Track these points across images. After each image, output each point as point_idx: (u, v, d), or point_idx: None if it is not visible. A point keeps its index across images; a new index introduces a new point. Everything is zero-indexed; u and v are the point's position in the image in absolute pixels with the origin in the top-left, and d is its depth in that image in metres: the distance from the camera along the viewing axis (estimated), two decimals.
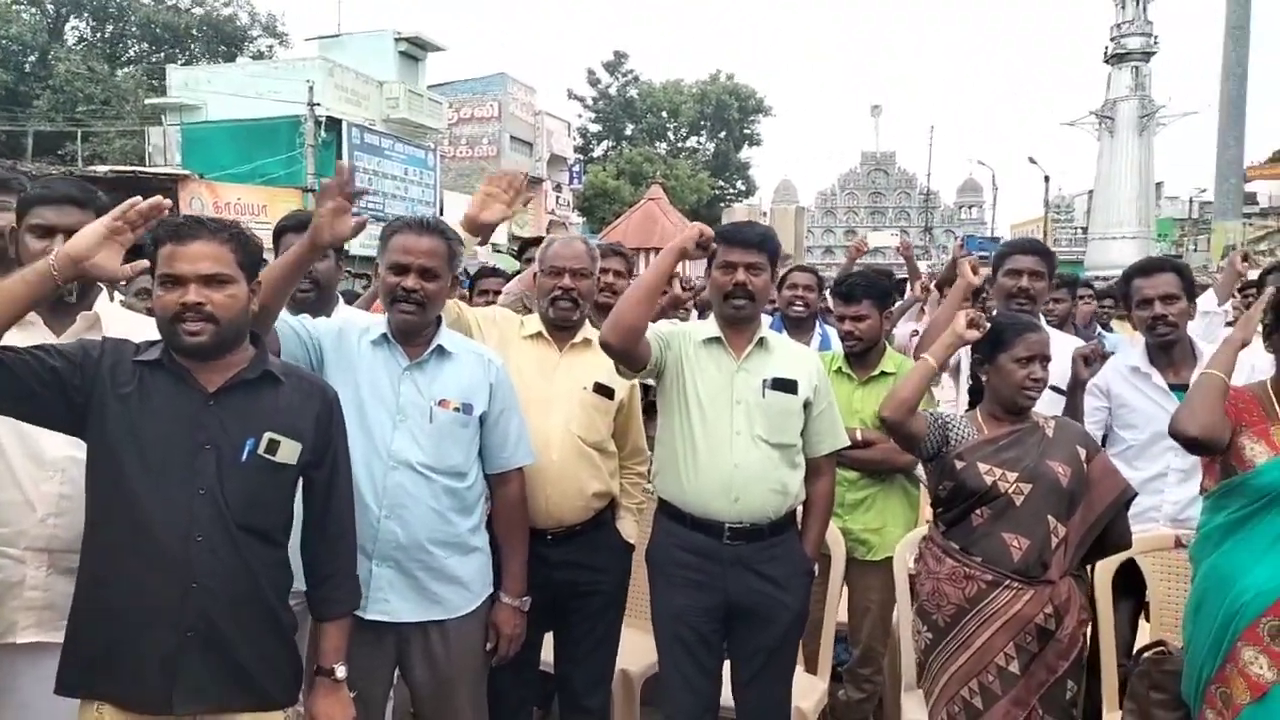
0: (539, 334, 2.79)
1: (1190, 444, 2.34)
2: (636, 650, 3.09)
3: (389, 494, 2.27)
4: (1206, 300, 4.28)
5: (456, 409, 2.34)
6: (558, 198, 34.54)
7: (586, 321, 2.87)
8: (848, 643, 3.41)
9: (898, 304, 5.76)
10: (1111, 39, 35.18)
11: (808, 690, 2.87)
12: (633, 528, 2.88)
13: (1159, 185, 37.63)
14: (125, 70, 31.90)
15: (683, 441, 2.57)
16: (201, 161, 20.17)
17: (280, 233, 2.87)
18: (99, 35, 33.60)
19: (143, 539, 1.79)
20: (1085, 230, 38.38)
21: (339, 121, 21.73)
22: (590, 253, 2.85)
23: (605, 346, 2.46)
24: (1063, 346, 2.91)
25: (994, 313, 3.03)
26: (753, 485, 2.51)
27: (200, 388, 1.86)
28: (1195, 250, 33.36)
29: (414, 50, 27.27)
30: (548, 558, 2.62)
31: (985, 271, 3.12)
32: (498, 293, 4.22)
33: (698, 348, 2.61)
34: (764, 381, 2.56)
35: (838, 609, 3.15)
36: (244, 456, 1.85)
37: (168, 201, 1.86)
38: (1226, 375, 2.30)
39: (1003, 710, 2.46)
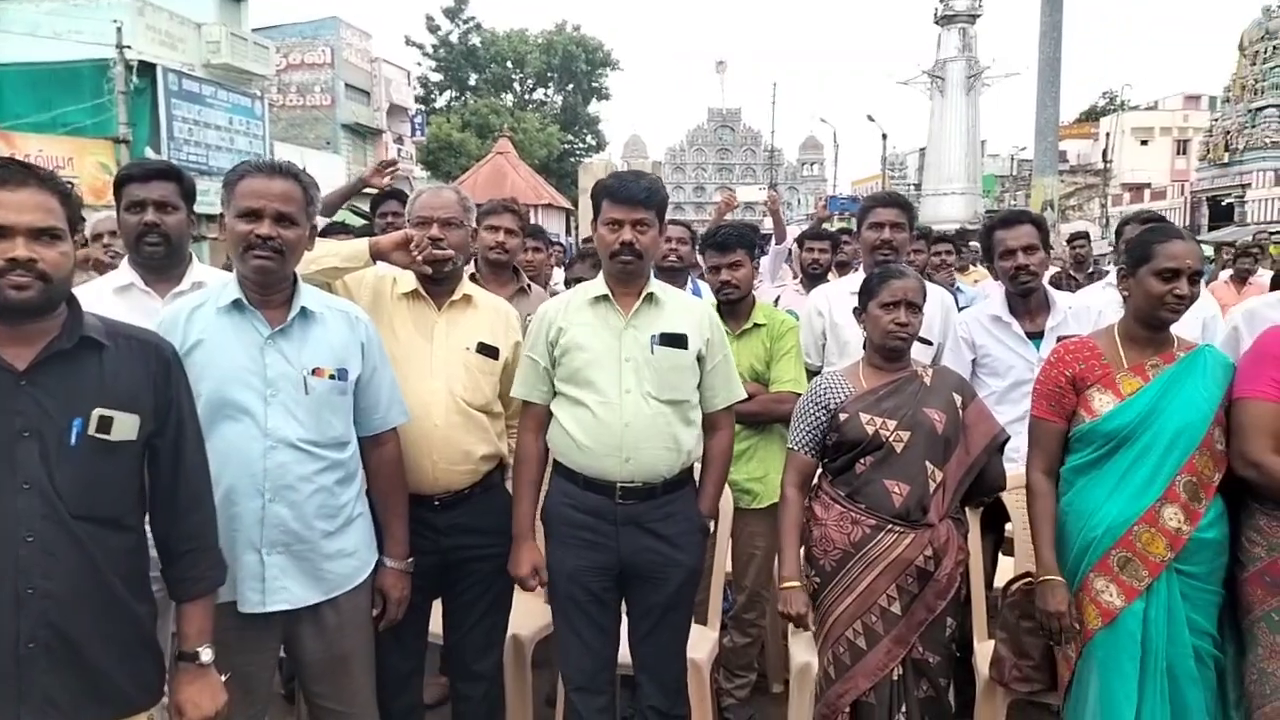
0: (414, 292, 2.62)
1: None
2: (527, 614, 3.03)
3: (270, 476, 2.09)
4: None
5: (332, 376, 2.17)
6: (399, 150, 33.19)
7: (465, 277, 2.73)
8: (730, 590, 3.46)
9: (765, 258, 5.87)
10: (940, 1, 36.89)
11: (699, 641, 2.88)
12: None
13: (984, 143, 40.07)
14: None
15: (573, 403, 2.50)
16: None
17: (121, 182, 2.57)
18: None
19: None
20: (917, 186, 40.49)
21: (153, 66, 19.96)
22: (461, 201, 2.70)
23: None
24: (930, 297, 2.99)
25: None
26: (644, 444, 2.46)
27: (8, 366, 1.61)
28: (1015, 204, 35.85)
29: None
30: (435, 524, 2.51)
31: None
32: None
33: (583, 308, 2.53)
34: (653, 338, 2.50)
35: (726, 560, 3.18)
36: (73, 440, 1.63)
37: None
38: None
39: (885, 649, 2.55)
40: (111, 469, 1.70)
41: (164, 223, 2.52)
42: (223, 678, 1.89)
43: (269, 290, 2.14)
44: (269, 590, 2.10)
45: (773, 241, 6.28)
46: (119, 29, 18.92)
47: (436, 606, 2.71)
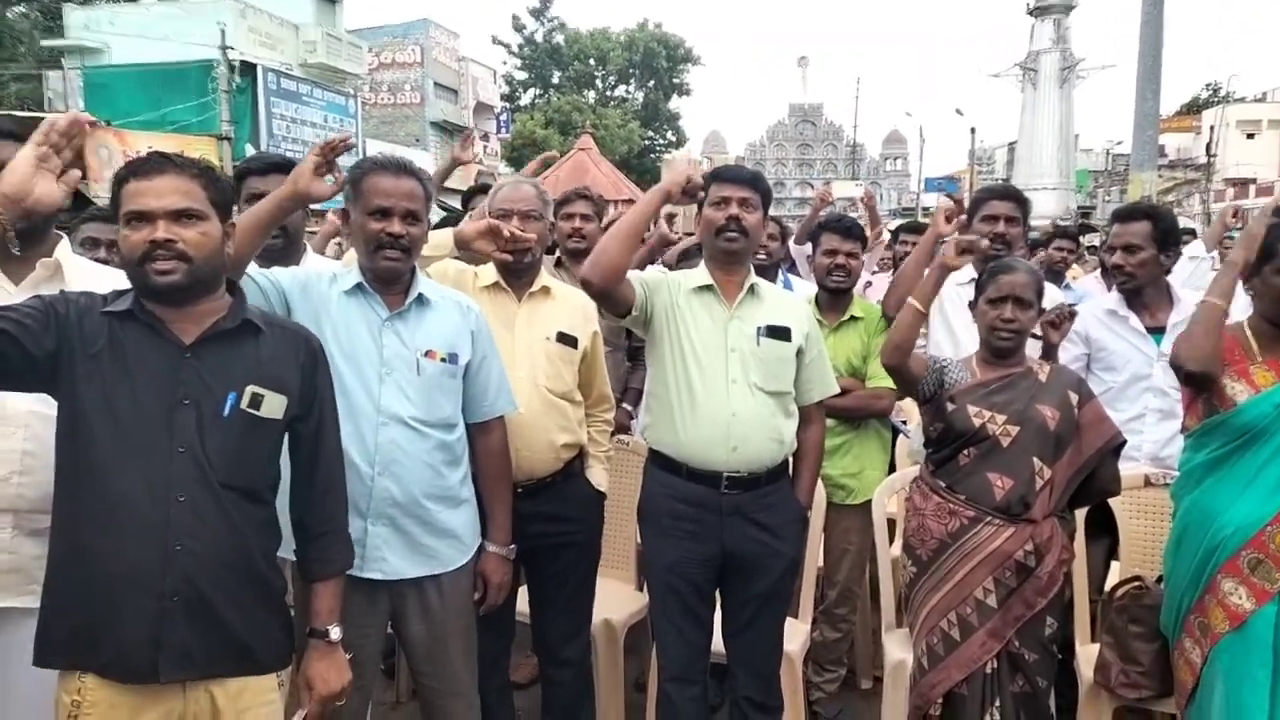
0: (496, 284, 2.69)
1: (1188, 377, 2.37)
2: (618, 600, 3.08)
3: (381, 451, 2.17)
4: (1194, 247, 4.37)
5: (443, 359, 2.25)
6: (485, 147, 33.74)
7: (543, 269, 2.78)
8: (822, 584, 3.44)
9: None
10: None
11: (792, 634, 2.88)
12: (603, 476, 2.84)
13: (1076, 137, 38.72)
14: (18, 9, 29.81)
15: (678, 392, 2.52)
16: (106, 107, 19.02)
17: (241, 175, 2.70)
18: None
19: (120, 502, 1.67)
20: (1006, 181, 39.31)
21: (254, 66, 20.76)
22: (540, 196, 2.76)
23: (586, 285, 2.43)
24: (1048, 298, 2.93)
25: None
26: (751, 434, 2.48)
27: (176, 340, 1.72)
28: (1109, 201, 34.56)
29: None
30: (519, 511, 2.56)
31: (960, 220, 3.10)
32: None
33: (688, 296, 2.56)
34: (758, 329, 2.52)
35: (819, 554, 3.17)
36: (225, 411, 1.73)
37: (88, 115, 1.73)
38: (1227, 301, 2.33)
39: (979, 641, 2.51)
40: (256, 443, 1.79)
41: None
42: (348, 656, 1.97)
43: (394, 281, 2.24)
44: (368, 558, 2.18)
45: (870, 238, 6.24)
46: (223, 31, 19.72)
47: (523, 590, 2.78)
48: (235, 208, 1.95)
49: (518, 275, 2.69)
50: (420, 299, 2.26)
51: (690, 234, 4.64)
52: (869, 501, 3.17)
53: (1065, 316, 2.80)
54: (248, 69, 20.56)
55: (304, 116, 21.95)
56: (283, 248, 2.66)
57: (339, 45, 25.16)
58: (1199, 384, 2.37)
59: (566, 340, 2.68)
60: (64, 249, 2.06)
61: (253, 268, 2.14)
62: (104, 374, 1.68)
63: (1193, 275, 3.69)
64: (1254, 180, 37.34)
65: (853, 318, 3.35)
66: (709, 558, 2.53)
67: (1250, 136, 42.12)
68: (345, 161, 2.12)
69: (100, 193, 14.73)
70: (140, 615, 1.68)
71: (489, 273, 2.70)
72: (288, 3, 24.41)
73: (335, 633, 1.94)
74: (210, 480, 1.72)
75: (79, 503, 1.69)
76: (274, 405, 1.79)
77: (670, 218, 4.36)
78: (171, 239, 1.67)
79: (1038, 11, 35.54)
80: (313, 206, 2.50)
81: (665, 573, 2.56)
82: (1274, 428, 2.27)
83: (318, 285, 2.22)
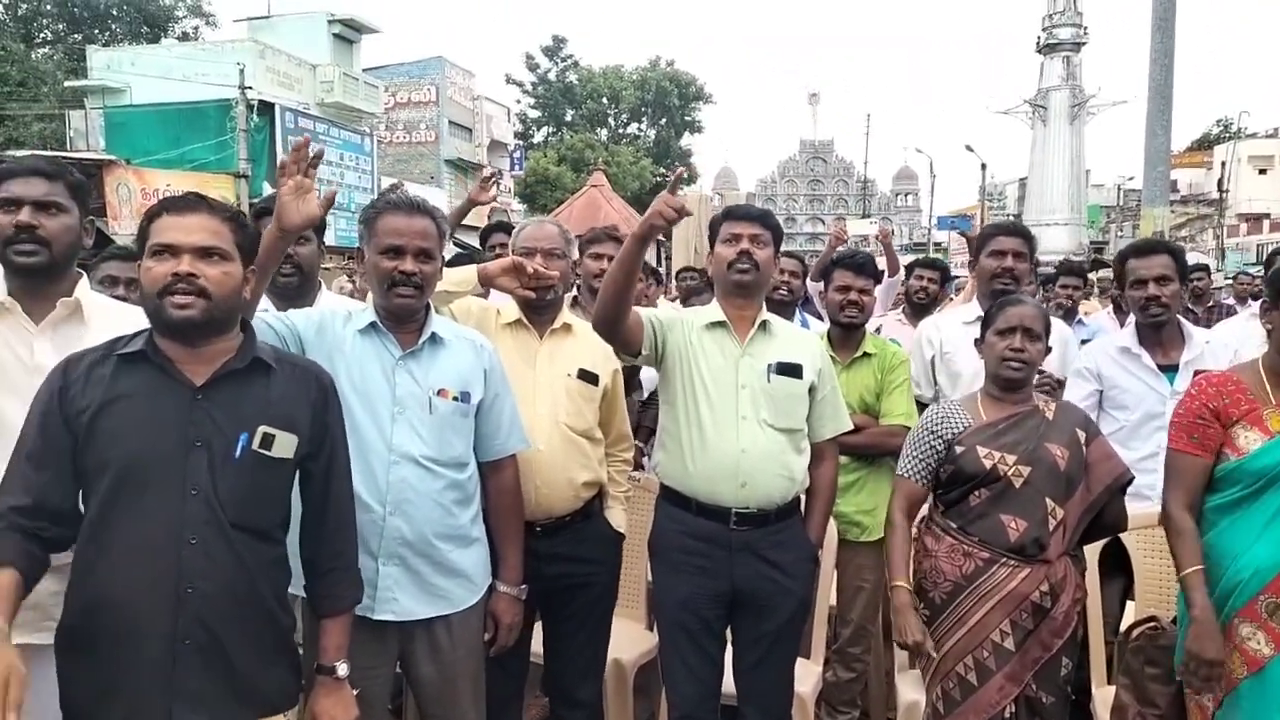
0: (518, 321, 2.71)
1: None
2: (628, 639, 3.05)
3: (393, 490, 2.18)
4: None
5: (455, 398, 2.26)
6: (499, 184, 34.10)
7: (565, 307, 2.81)
8: (835, 623, 3.41)
9: (878, 289, 5.86)
10: (1043, 29, 36.08)
11: (803, 674, 2.85)
12: (622, 516, 2.83)
13: (1088, 173, 38.79)
14: (42, 51, 30.51)
15: (688, 427, 2.52)
16: (126, 146, 19.40)
17: (259, 214, 2.74)
18: (11, 14, 32.02)
19: (132, 547, 1.69)
20: (1017, 217, 39.38)
21: (271, 105, 21.11)
22: (563, 234, 2.80)
23: (595, 326, 2.47)
24: (1057, 334, 2.92)
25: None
26: (760, 470, 2.48)
27: (187, 381, 1.75)
28: (1122, 236, 34.51)
29: (348, 33, 26.64)
30: (537, 550, 2.55)
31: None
32: None
33: (700, 333, 2.58)
34: (769, 366, 2.53)
35: (830, 592, 3.15)
36: (238, 453, 1.75)
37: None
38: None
39: (998, 685, 2.48)
40: (268, 483, 1.81)
41: (297, 253, 2.68)
42: (354, 693, 1.97)
43: (408, 319, 2.26)
44: (379, 599, 2.18)
45: (886, 274, 6.27)
46: (241, 71, 20.09)
47: (537, 629, 2.75)
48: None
49: (540, 312, 2.71)
50: (434, 338, 2.28)
51: (688, 270, 4.65)
52: (882, 539, 3.14)
53: (1053, 385, 2.83)
54: (265, 108, 20.91)
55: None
56: (298, 285, 2.69)
57: (355, 85, 25.60)
58: None
59: (588, 377, 2.69)
60: (83, 287, 2.09)
61: (271, 314, 2.18)
62: (114, 422, 1.71)
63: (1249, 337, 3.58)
64: (1268, 215, 37.28)
65: (866, 354, 3.35)
66: (719, 594, 2.51)
67: (1262, 172, 42.11)
68: (361, 200, 2.16)
69: (119, 230, 14.94)
70: (154, 664, 1.69)
71: (511, 310, 2.72)
72: (306, 43, 24.93)
73: (343, 669, 1.94)
74: (222, 521, 1.73)
75: (94, 546, 1.71)
76: (285, 445, 1.80)
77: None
78: (194, 274, 1.70)
79: (1047, 49, 35.80)
80: (329, 243, 2.54)
81: (676, 609, 2.54)
82: None
83: (332, 325, 2.25)
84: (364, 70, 27.50)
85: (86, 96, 23.36)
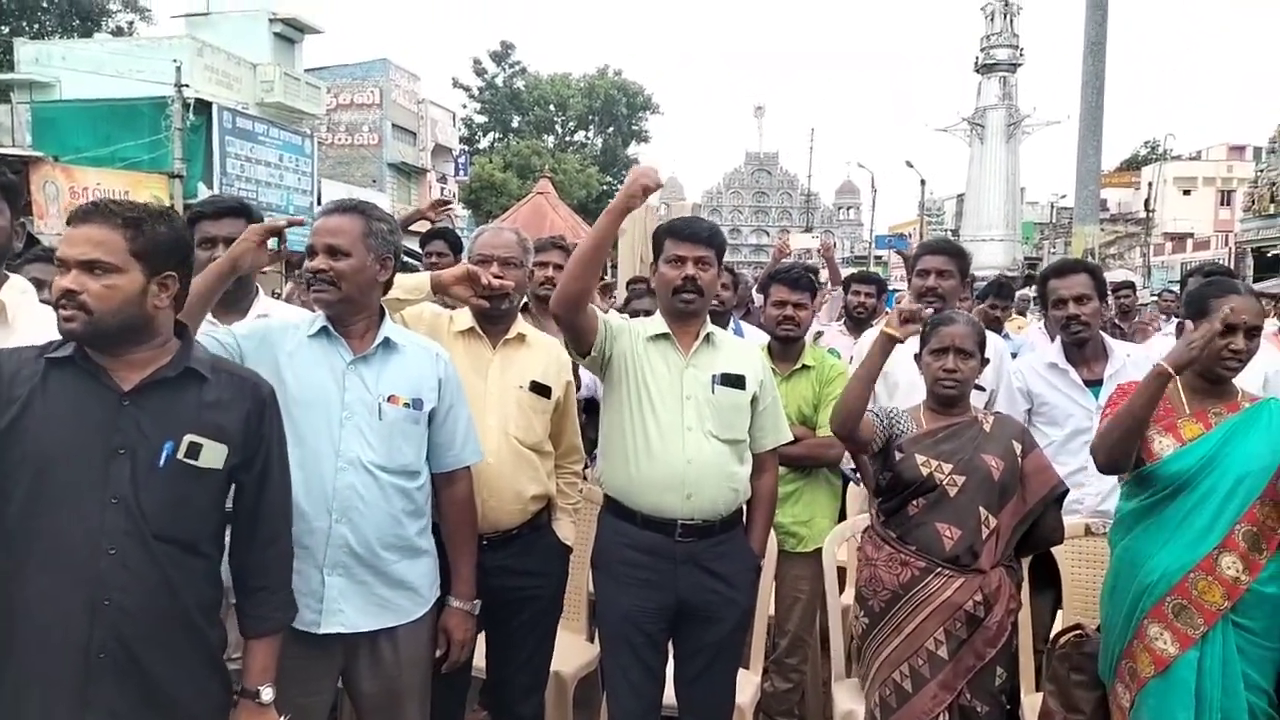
0: (470, 330, 2.68)
1: (1100, 469, 2.51)
2: (569, 651, 3.04)
3: (339, 496, 2.14)
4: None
5: (406, 404, 2.23)
6: (443, 189, 33.78)
7: (520, 317, 2.79)
8: (772, 633, 3.44)
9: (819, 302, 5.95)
10: (981, 49, 37.12)
11: (742, 685, 2.86)
12: (570, 530, 2.81)
13: (1022, 190, 39.91)
14: None
15: (633, 437, 2.53)
16: (55, 143, 18.75)
17: (194, 219, 2.67)
18: None
19: (49, 555, 1.64)
20: (955, 232, 40.32)
21: (209, 104, 20.59)
22: (521, 242, 2.78)
23: (555, 317, 2.48)
24: (992, 347, 2.99)
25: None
26: (705, 481, 2.49)
27: (114, 387, 1.70)
28: (1054, 253, 35.56)
29: (290, 32, 26.15)
30: (483, 563, 2.52)
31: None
32: None
33: (646, 344, 2.58)
34: (713, 377, 2.55)
35: (770, 603, 3.17)
36: (161, 461, 1.70)
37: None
38: (1148, 413, 2.39)
39: (930, 693, 2.53)
40: (194, 494, 1.76)
41: None
42: (282, 718, 1.91)
43: (343, 320, 2.23)
44: (326, 612, 2.13)
45: (829, 285, 6.38)
46: (178, 68, 19.56)
47: (480, 642, 2.72)
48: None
49: (493, 322, 2.69)
50: (387, 343, 2.25)
51: (638, 280, 4.68)
52: (819, 549, 3.19)
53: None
54: (202, 107, 20.39)
55: (259, 155, 21.78)
56: (233, 293, 2.62)
57: (297, 85, 25.13)
58: (1110, 473, 2.50)
59: (540, 390, 2.67)
60: (10, 289, 2.02)
61: (218, 331, 2.17)
62: (35, 422, 1.65)
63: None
64: (1191, 235, 38.74)
65: (804, 366, 3.40)
66: (663, 606, 2.52)
67: (1186, 193, 43.78)
68: (300, 201, 2.19)
69: (45, 230, 14.42)
70: (68, 676, 1.63)
71: (464, 318, 2.70)
72: (246, 42, 24.39)
73: (267, 694, 1.88)
74: (143, 532, 1.68)
75: (7, 553, 1.65)
76: (213, 455, 1.76)
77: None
78: (74, 289, 1.65)
79: (985, 69, 36.84)
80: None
81: (619, 622, 2.54)
82: (1198, 478, 2.35)
83: (280, 334, 2.22)
84: (306, 70, 27.01)
85: (13, 91, 22.53)
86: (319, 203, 22.78)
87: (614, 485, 2.59)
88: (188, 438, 1.72)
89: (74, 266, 1.66)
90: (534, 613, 2.67)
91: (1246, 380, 2.65)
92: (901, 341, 2.59)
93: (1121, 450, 2.40)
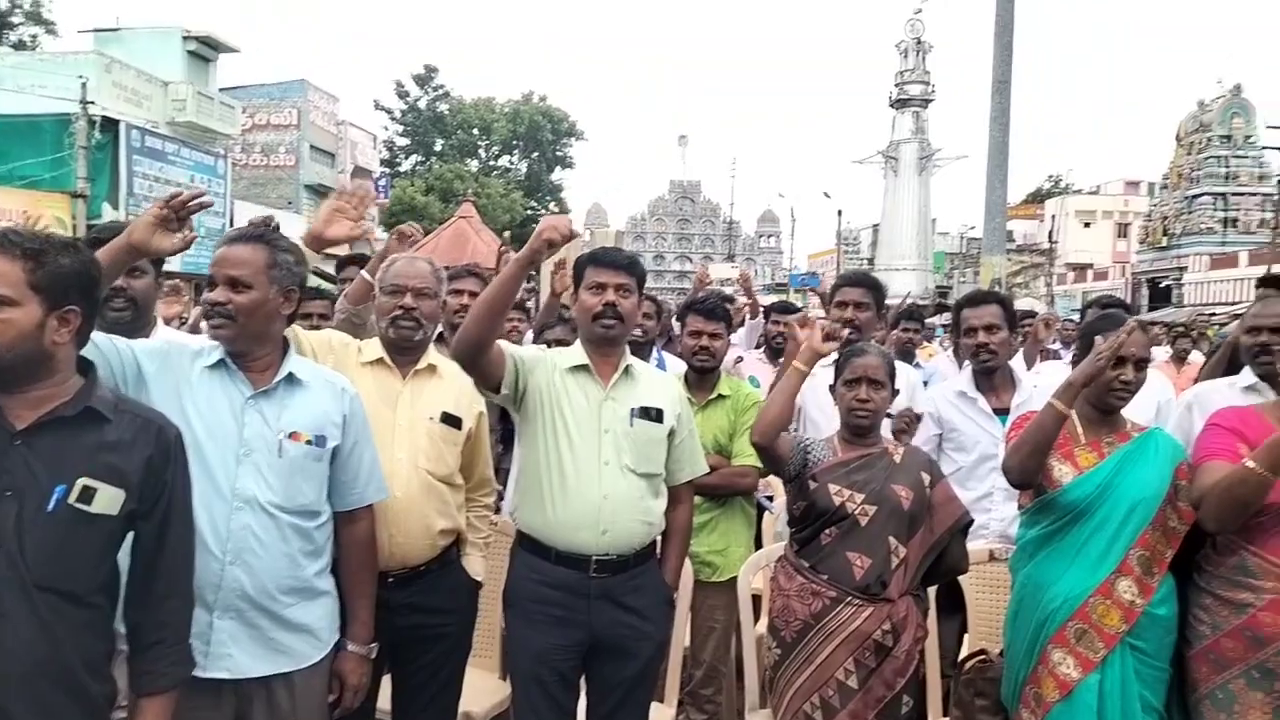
0: (380, 360, 2.62)
1: (1012, 483, 2.57)
2: (480, 690, 2.97)
3: (234, 538, 2.05)
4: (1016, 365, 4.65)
5: (309, 441, 2.15)
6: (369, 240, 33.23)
7: (431, 347, 2.74)
8: (688, 665, 3.43)
9: (740, 330, 6.01)
10: (896, 85, 38.46)
11: (657, 718, 2.84)
12: (480, 565, 2.75)
13: (934, 221, 41.32)
14: None
15: (548, 471, 2.50)
16: None
17: (93, 243, 2.55)
18: None
19: None
20: (870, 261, 41.49)
21: (116, 122, 19.91)
22: (435, 273, 2.73)
23: (456, 358, 2.43)
24: (903, 378, 3.08)
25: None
26: (621, 516, 2.47)
27: (6, 425, 1.61)
28: (964, 282, 36.87)
29: (204, 50, 25.48)
30: (388, 601, 2.45)
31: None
32: (323, 316, 3.98)
33: (564, 375, 2.56)
34: (631, 410, 2.54)
35: (685, 634, 3.16)
36: (51, 505, 1.61)
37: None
38: (1064, 417, 2.46)
39: None
40: (85, 541, 1.67)
41: (131, 286, 2.51)
42: None
43: (243, 353, 2.14)
44: (211, 655, 2.03)
45: (747, 315, 6.45)
46: (84, 85, 18.88)
47: (385, 682, 2.64)
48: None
49: (403, 352, 2.63)
50: (290, 378, 2.17)
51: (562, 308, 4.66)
52: (734, 578, 3.19)
53: (912, 419, 2.97)
54: (109, 125, 19.71)
55: (169, 175, 21.13)
56: (130, 320, 2.52)
57: (210, 104, 24.48)
58: (1020, 487, 2.56)
59: (451, 421, 2.62)
60: None
61: (106, 338, 2.03)
62: None
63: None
64: (1091, 265, 40.62)
65: (720, 395, 3.42)
66: (576, 644, 2.48)
67: (1087, 225, 45.92)
68: (212, 224, 2.08)
69: None
70: None
71: (373, 348, 2.64)
72: (158, 59, 23.67)
73: None
74: (24, 581, 1.59)
75: None
76: (108, 500, 1.67)
77: (559, 264, 4.34)
78: None
79: (898, 104, 38.20)
80: (175, 269, 2.41)
81: (531, 662, 2.49)
82: (1095, 506, 2.44)
83: (179, 359, 2.12)
84: (221, 90, 26.33)
85: None
86: (232, 224, 22.19)
87: (529, 523, 2.55)
88: (81, 481, 1.63)
89: None
90: (441, 651, 2.60)
91: (1139, 409, 2.77)
92: (825, 354, 2.66)
93: (1034, 462, 2.46)
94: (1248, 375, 3.12)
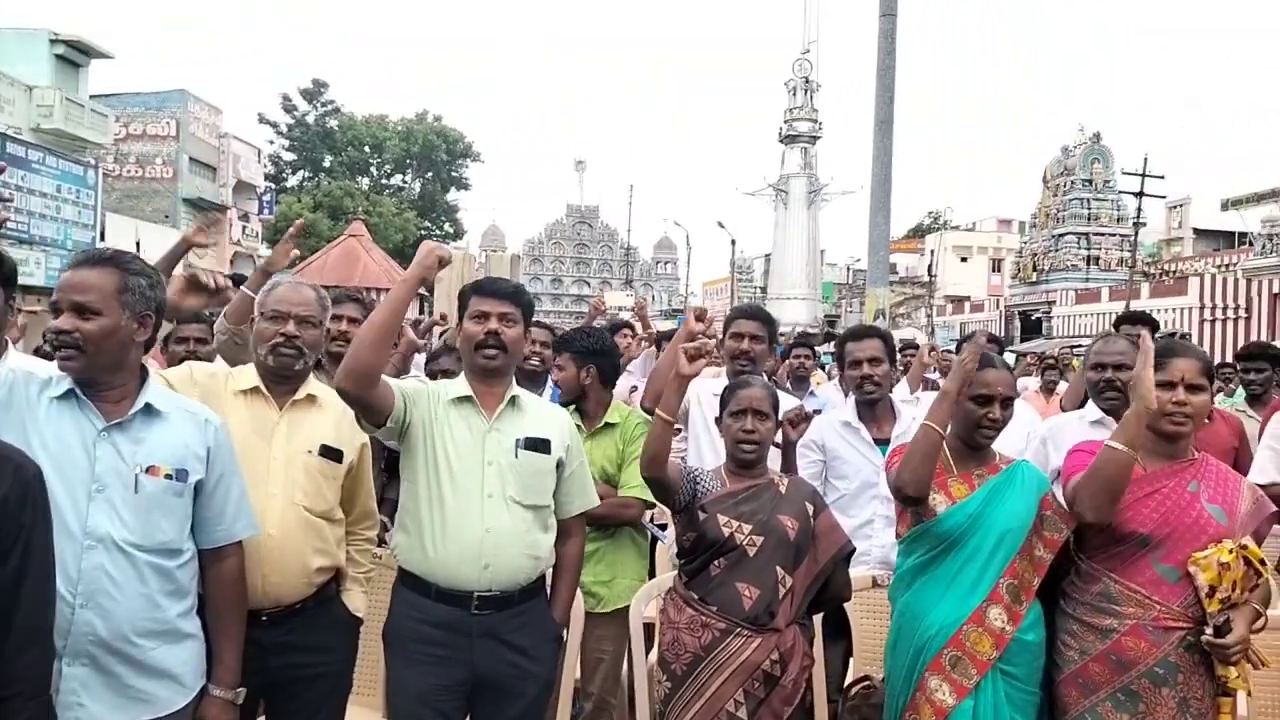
0: (255, 389, 2.49)
1: (905, 500, 2.59)
2: None
3: (85, 579, 1.90)
4: (900, 390, 4.82)
5: (168, 476, 2.02)
6: (244, 228, 32.02)
7: (311, 377, 2.63)
8: (577, 699, 3.38)
9: (636, 360, 6.02)
10: (785, 121, 39.68)
11: None
12: (361, 600, 2.64)
13: (823, 253, 42.70)
14: None
15: (429, 506, 2.42)
16: None
17: None
18: None
19: None
20: (763, 290, 42.54)
21: None
22: (320, 300, 2.62)
23: (341, 392, 2.31)
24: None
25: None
26: (505, 550, 2.41)
27: None
28: (851, 312, 38.18)
29: (74, 55, 24.16)
30: (261, 640, 2.32)
31: (707, 326, 3.28)
32: (200, 340, 3.79)
33: (447, 407, 2.49)
34: (517, 441, 2.49)
35: (575, 667, 3.11)
36: None
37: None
38: (943, 428, 2.55)
39: None
40: None
41: None
42: None
43: (95, 383, 2.01)
44: (62, 705, 1.87)
45: (643, 344, 6.48)
46: None
47: None
48: None
49: (281, 381, 2.50)
50: (148, 409, 2.04)
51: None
52: (622, 609, 3.17)
53: (803, 417, 3.02)
54: None
55: (33, 185, 19.87)
56: None
57: (80, 111, 23.19)
58: (914, 503, 2.60)
59: (331, 454, 2.50)
60: None
61: None
62: None
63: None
64: (968, 298, 42.69)
65: (609, 424, 3.41)
66: (458, 684, 2.41)
67: (964, 260, 48.31)
68: (80, 236, 1.94)
69: None
70: None
71: (247, 377, 2.50)
72: (22, 62, 22.31)
73: None
74: None
75: None
76: None
77: (442, 318, 4.30)
78: None
79: (788, 139, 39.43)
80: (38, 283, 2.23)
81: (413, 704, 2.41)
82: (967, 535, 2.53)
83: (25, 390, 1.96)
84: (92, 97, 24.99)
85: None
86: (103, 238, 21.02)
87: (409, 558, 2.47)
88: None
89: None
90: (319, 691, 2.48)
91: (1010, 441, 2.90)
92: (691, 376, 2.62)
93: (925, 470, 2.51)
94: (1094, 409, 3.33)
